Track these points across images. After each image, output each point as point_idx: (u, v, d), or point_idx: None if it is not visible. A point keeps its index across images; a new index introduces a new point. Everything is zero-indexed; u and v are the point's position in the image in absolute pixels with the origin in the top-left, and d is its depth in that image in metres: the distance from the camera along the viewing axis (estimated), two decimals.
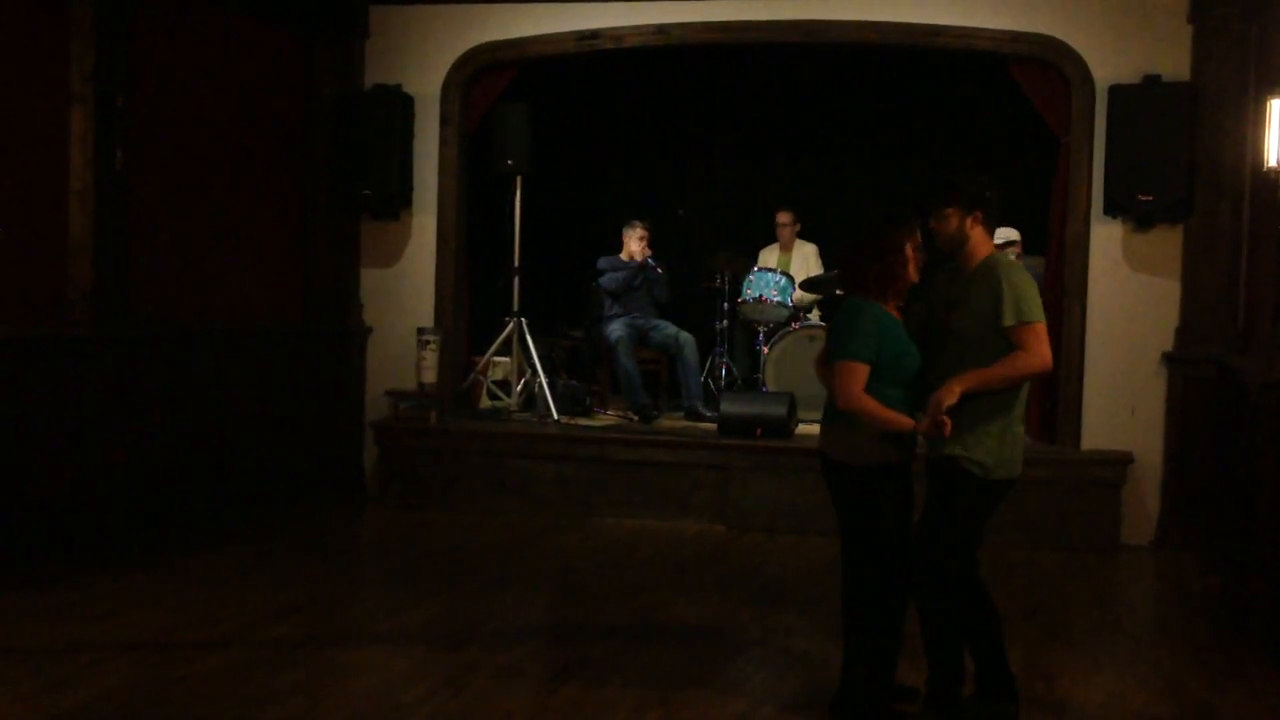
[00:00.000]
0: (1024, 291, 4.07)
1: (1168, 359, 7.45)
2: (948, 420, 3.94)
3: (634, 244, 9.00)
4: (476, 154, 8.60)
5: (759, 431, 7.80)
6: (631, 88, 10.34)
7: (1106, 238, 7.54)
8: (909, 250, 4.18)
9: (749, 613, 5.78)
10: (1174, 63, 7.36)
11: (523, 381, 8.67)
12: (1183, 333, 7.43)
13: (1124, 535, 7.41)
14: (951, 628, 4.21)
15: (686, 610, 5.77)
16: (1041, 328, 4.07)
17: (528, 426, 8.22)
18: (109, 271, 6.68)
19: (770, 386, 8.69)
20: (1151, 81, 7.33)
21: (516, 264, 8.53)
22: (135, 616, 5.38)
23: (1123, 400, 7.53)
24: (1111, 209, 7.42)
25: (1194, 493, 7.34)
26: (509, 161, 8.35)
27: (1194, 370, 7.35)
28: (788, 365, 8.65)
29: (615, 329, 8.87)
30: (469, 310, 8.77)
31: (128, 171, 6.77)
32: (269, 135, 8.08)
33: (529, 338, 8.44)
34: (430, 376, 8.22)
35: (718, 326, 9.43)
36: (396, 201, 8.36)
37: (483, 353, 8.72)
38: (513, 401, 8.64)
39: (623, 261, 8.99)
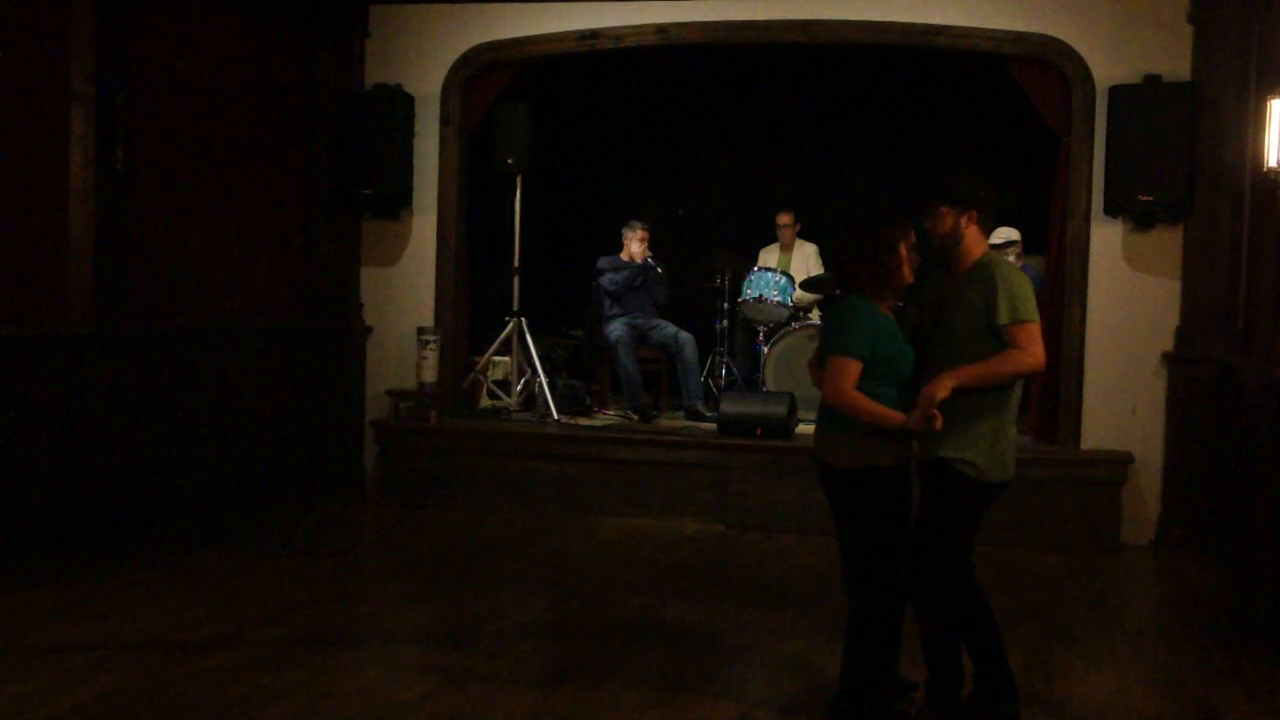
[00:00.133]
0: (1019, 290, 4.06)
1: (1168, 359, 7.45)
2: (938, 414, 3.93)
3: (635, 245, 9.00)
4: (477, 153, 8.60)
5: (759, 431, 7.80)
6: (631, 88, 10.35)
7: (1107, 238, 7.54)
8: (903, 250, 4.16)
9: (749, 613, 5.78)
10: (1174, 63, 7.35)
11: (523, 381, 8.68)
12: (1183, 333, 7.42)
13: (1124, 535, 7.41)
14: (949, 629, 4.21)
15: (686, 610, 5.77)
16: (1035, 327, 4.06)
17: (528, 426, 8.22)
18: (109, 271, 6.68)
19: (770, 386, 8.69)
20: (1152, 81, 7.33)
21: (517, 263, 8.54)
22: (135, 616, 5.38)
23: (1123, 400, 7.53)
24: (1112, 209, 7.42)
25: (1194, 493, 7.34)
26: (509, 161, 8.35)
27: (1194, 370, 7.35)
28: (788, 365, 8.65)
29: (615, 329, 8.87)
30: (469, 310, 8.77)
31: (128, 171, 6.78)
32: (269, 135, 8.08)
33: (529, 337, 8.45)
34: (430, 376, 8.22)
35: (718, 326, 9.44)
36: (397, 201, 8.36)
37: (483, 352, 8.72)
38: (513, 401, 8.64)
39: (623, 262, 8.99)
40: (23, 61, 6.31)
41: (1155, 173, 7.24)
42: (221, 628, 5.26)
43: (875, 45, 8.03)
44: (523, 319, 8.49)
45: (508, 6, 8.26)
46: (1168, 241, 7.45)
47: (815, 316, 9.10)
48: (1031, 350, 4.04)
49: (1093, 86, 7.49)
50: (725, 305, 9.37)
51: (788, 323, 9.02)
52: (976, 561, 4.30)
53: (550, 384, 8.47)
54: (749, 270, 9.17)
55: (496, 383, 8.78)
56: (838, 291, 4.58)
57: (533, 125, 8.33)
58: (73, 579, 5.90)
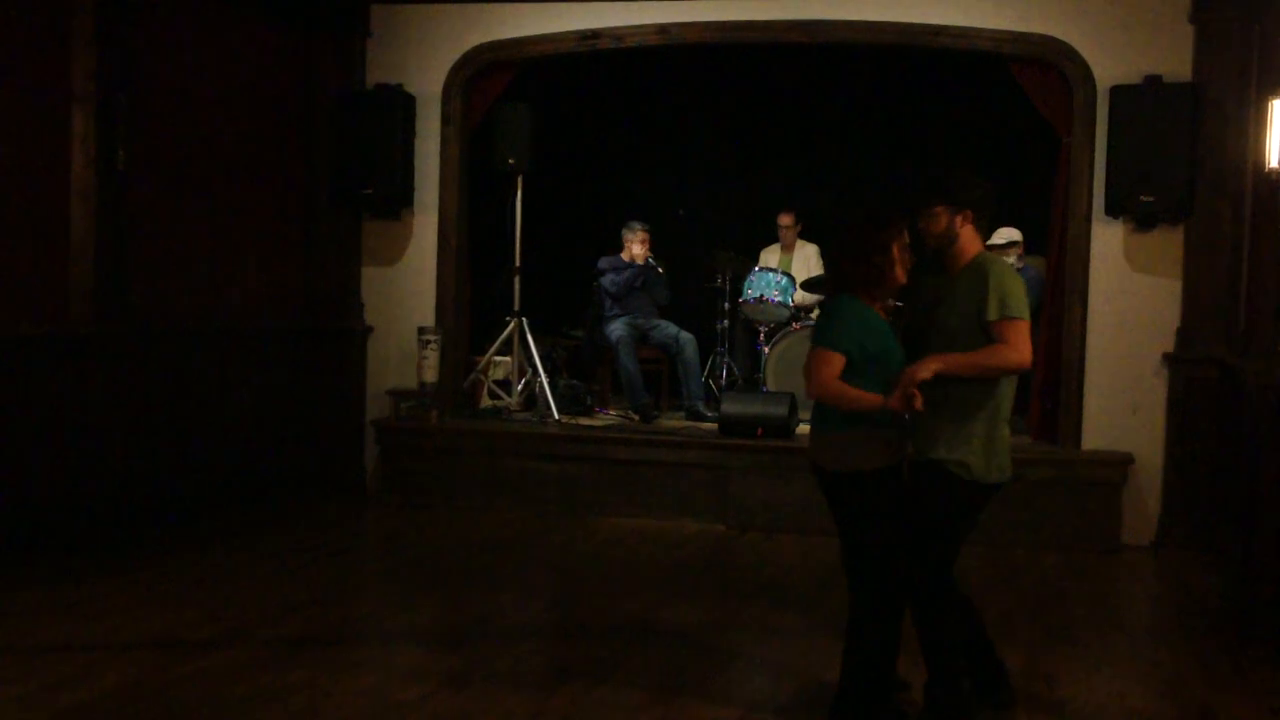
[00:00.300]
0: (1010, 289, 4.05)
1: (1169, 359, 7.45)
2: (918, 393, 3.92)
3: (635, 246, 9.01)
4: (478, 153, 8.60)
5: (760, 431, 7.80)
6: (632, 88, 10.34)
7: (1107, 238, 7.54)
8: (895, 251, 4.17)
9: (749, 613, 5.78)
10: (1175, 63, 7.35)
11: (523, 381, 8.68)
12: (1183, 333, 7.42)
13: (1125, 535, 7.41)
14: (946, 630, 4.21)
15: (687, 610, 5.77)
16: (1024, 326, 4.05)
17: (528, 426, 8.22)
18: (110, 271, 6.68)
19: (771, 386, 8.69)
20: (1153, 82, 7.33)
21: (517, 263, 8.54)
22: (135, 616, 5.38)
23: (1124, 400, 7.53)
24: (1113, 209, 7.42)
25: (1195, 493, 7.34)
26: (510, 161, 8.35)
27: (1195, 370, 7.35)
28: (788, 365, 8.65)
29: (616, 329, 8.88)
30: (470, 310, 8.77)
31: (129, 171, 6.77)
32: (270, 134, 8.08)
33: (530, 337, 8.45)
34: (431, 376, 8.22)
35: (719, 326, 9.44)
36: (398, 201, 8.36)
37: (484, 352, 8.72)
38: (513, 401, 8.64)
39: (624, 262, 8.99)
40: (24, 61, 6.31)
41: (1156, 173, 7.24)
42: (221, 628, 5.26)
43: (876, 45, 8.02)
44: (523, 319, 8.50)
45: (508, 6, 8.26)
46: (1169, 242, 7.45)
47: (816, 317, 9.09)
48: (1019, 347, 4.03)
49: (1093, 87, 7.49)
50: (726, 305, 9.37)
51: (788, 323, 9.02)
52: (976, 563, 4.30)
53: (551, 384, 8.47)
54: (750, 270, 9.17)
55: (497, 383, 8.78)
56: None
57: (533, 125, 8.34)
58: (73, 579, 5.90)
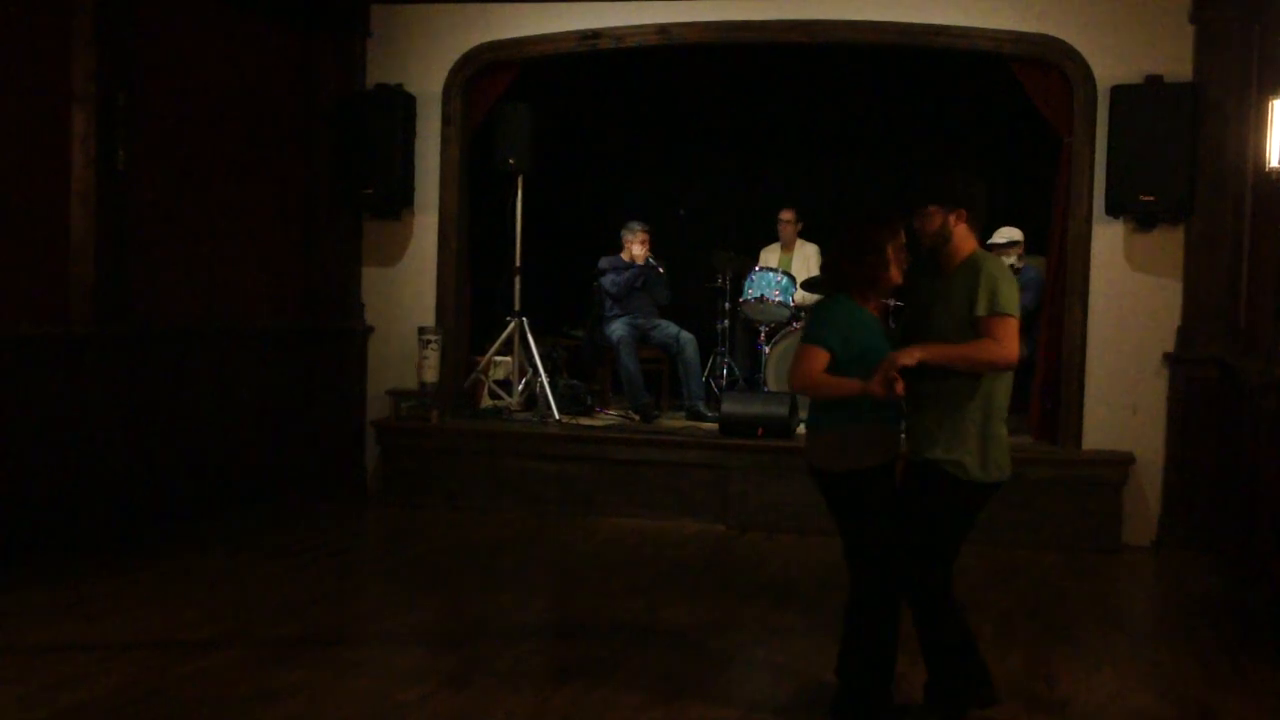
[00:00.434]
0: (1001, 285, 4.04)
1: (1169, 359, 7.44)
2: (899, 378, 3.92)
3: (636, 247, 9.01)
4: (478, 153, 8.60)
5: (760, 431, 7.80)
6: (632, 88, 10.34)
7: (1108, 238, 7.54)
8: (890, 251, 4.18)
9: (750, 612, 5.78)
10: (1176, 63, 7.35)
11: (524, 381, 8.67)
12: (1184, 333, 7.42)
13: (1125, 535, 7.40)
14: (948, 629, 4.20)
15: (687, 610, 5.77)
16: (1013, 323, 4.03)
17: (529, 426, 8.22)
18: (110, 271, 6.68)
19: (771, 386, 8.69)
20: (1153, 82, 7.33)
21: (518, 263, 8.54)
22: (135, 616, 5.39)
23: (1124, 400, 7.53)
24: (1113, 209, 7.42)
25: (1195, 493, 7.34)
26: (510, 161, 8.35)
27: (1195, 370, 7.35)
28: (789, 365, 8.63)
29: (617, 329, 8.88)
30: (470, 310, 8.77)
31: (129, 171, 6.77)
32: (271, 134, 8.08)
33: (530, 337, 8.45)
34: (432, 376, 8.22)
35: (719, 326, 9.43)
36: (398, 201, 8.36)
37: (484, 352, 8.72)
38: (514, 401, 8.64)
39: (624, 262, 8.99)
40: (24, 62, 6.31)
41: (1156, 173, 7.24)
42: (222, 628, 5.26)
43: (876, 45, 8.02)
44: (524, 319, 8.49)
45: (509, 6, 8.26)
46: (1169, 242, 7.44)
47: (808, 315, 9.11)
48: (1005, 343, 4.01)
49: (1094, 86, 7.48)
50: (726, 305, 9.37)
51: (789, 323, 9.02)
52: (976, 562, 4.30)
53: (551, 384, 8.47)
54: (750, 270, 9.17)
55: (498, 382, 8.78)
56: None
57: (534, 125, 8.33)
58: (73, 579, 5.91)
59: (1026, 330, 8.20)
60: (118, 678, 4.57)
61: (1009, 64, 7.77)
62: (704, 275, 9.62)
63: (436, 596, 6.08)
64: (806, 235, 9.85)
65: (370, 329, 8.59)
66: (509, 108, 8.37)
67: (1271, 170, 6.18)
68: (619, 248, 9.08)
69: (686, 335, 8.90)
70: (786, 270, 9.31)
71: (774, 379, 8.74)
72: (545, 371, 8.49)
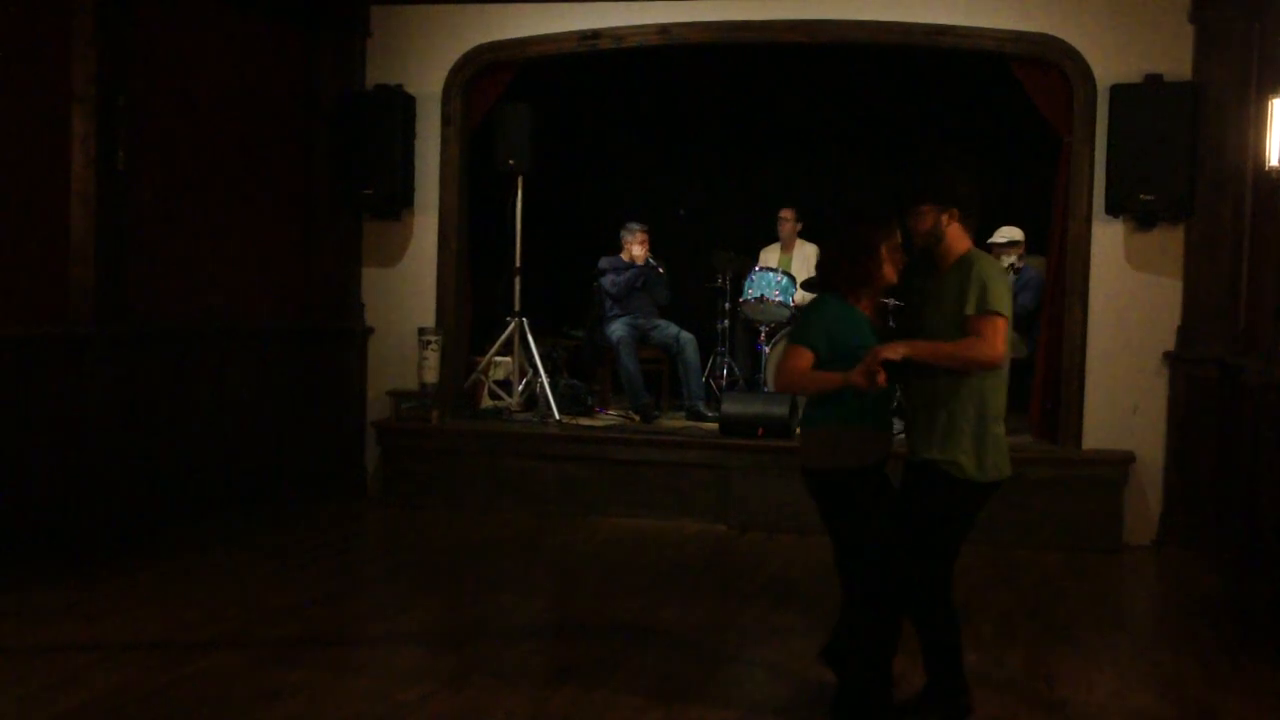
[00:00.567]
0: (991, 284, 4.02)
1: (1169, 358, 7.44)
2: (881, 371, 3.92)
3: (635, 248, 9.01)
4: (478, 154, 8.60)
5: (760, 431, 7.79)
6: (633, 88, 10.34)
7: (1108, 237, 7.53)
8: (884, 250, 4.18)
9: (750, 613, 5.78)
10: (1176, 62, 7.35)
11: (524, 381, 8.67)
12: (1184, 332, 7.42)
13: (1126, 535, 7.40)
14: (948, 630, 4.20)
15: (687, 610, 5.77)
16: (1000, 322, 4.00)
17: (529, 426, 8.22)
18: (110, 271, 6.68)
19: (772, 386, 8.68)
20: (1153, 81, 7.33)
21: (518, 264, 8.54)
22: (135, 616, 5.39)
23: (1125, 400, 7.52)
24: (1113, 208, 7.42)
25: (1196, 492, 7.33)
26: (510, 161, 8.35)
27: (1196, 370, 7.34)
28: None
29: (617, 329, 8.88)
30: (470, 310, 8.77)
31: (129, 171, 6.77)
32: (270, 135, 8.08)
33: (530, 337, 8.45)
34: (432, 376, 8.21)
35: (719, 326, 9.43)
36: (398, 201, 8.36)
37: (484, 353, 8.71)
38: (514, 401, 8.64)
39: (624, 262, 8.99)
40: (24, 62, 6.31)
41: (1156, 172, 7.24)
42: (222, 628, 5.26)
43: (876, 45, 8.02)
44: (524, 319, 8.49)
45: (509, 7, 8.26)
46: (1169, 241, 7.44)
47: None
48: (991, 342, 3.99)
49: (1094, 86, 7.48)
50: (726, 305, 9.37)
51: (789, 323, 9.01)
52: (976, 562, 4.30)
53: (551, 384, 8.47)
54: (750, 270, 9.17)
55: (498, 383, 8.78)
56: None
57: (534, 125, 8.33)
58: (73, 579, 5.91)
59: (1027, 330, 8.21)
60: (118, 678, 4.57)
61: (1009, 63, 7.77)
62: (704, 275, 9.61)
63: (436, 596, 6.08)
64: (806, 235, 9.85)
65: (370, 329, 8.59)
66: (509, 108, 8.37)
67: (1271, 169, 6.19)
68: (619, 248, 9.08)
69: (686, 335, 8.90)
70: (786, 270, 9.31)
71: (774, 379, 8.74)
72: (545, 372, 8.49)
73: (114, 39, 6.64)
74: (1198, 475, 7.32)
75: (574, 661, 4.98)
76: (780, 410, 7.85)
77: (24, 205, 6.31)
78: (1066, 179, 7.66)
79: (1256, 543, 5.99)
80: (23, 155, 6.31)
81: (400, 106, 8.28)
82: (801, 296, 9.20)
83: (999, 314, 4.00)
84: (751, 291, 8.97)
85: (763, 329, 9.15)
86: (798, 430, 7.73)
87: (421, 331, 8.25)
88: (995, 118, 9.76)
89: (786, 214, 9.77)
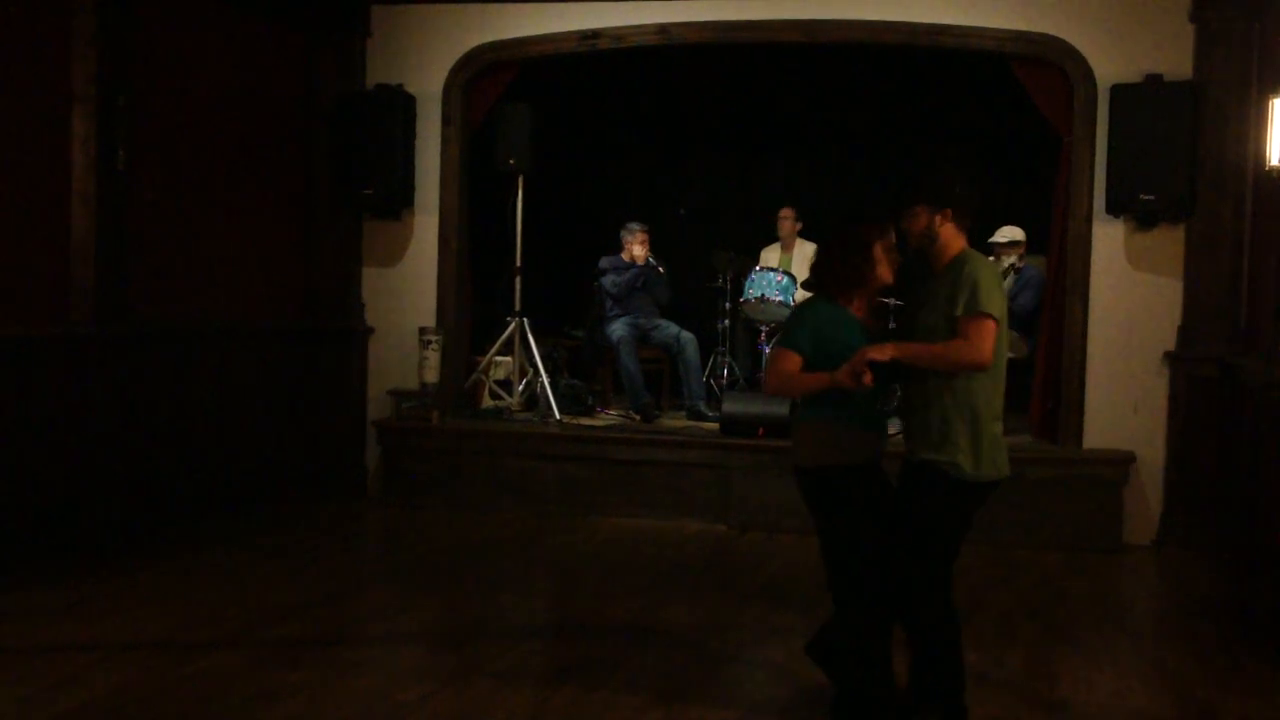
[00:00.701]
0: (983, 286, 3.99)
1: (1170, 358, 7.44)
2: (867, 371, 3.92)
3: (636, 248, 9.01)
4: (478, 153, 8.60)
5: (761, 431, 7.79)
6: (633, 88, 10.34)
7: (1108, 237, 7.53)
8: (878, 251, 4.17)
9: (750, 613, 5.78)
10: (1176, 62, 7.35)
11: (525, 381, 8.67)
12: (1185, 332, 7.41)
13: (1126, 534, 7.40)
14: (946, 631, 4.19)
15: (687, 610, 5.77)
16: (989, 324, 3.97)
17: (529, 426, 8.22)
18: (111, 271, 6.67)
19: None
20: (1153, 81, 7.32)
21: (518, 263, 8.54)
22: (136, 616, 5.39)
23: (1125, 399, 7.52)
24: (1113, 208, 7.42)
25: (1196, 492, 7.33)
26: (510, 161, 8.35)
27: (1196, 369, 7.34)
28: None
29: (617, 329, 8.88)
30: (471, 310, 8.77)
31: (130, 172, 6.77)
32: (271, 135, 8.08)
33: (531, 337, 8.45)
34: (432, 376, 8.22)
35: (719, 326, 9.43)
36: (398, 201, 8.36)
37: (485, 352, 8.71)
38: (515, 401, 8.64)
39: (624, 262, 8.99)
40: (24, 62, 6.31)
41: (1157, 172, 7.24)
42: (222, 628, 5.26)
43: (876, 45, 8.02)
44: (524, 319, 8.49)
45: (509, 6, 8.26)
46: (1169, 240, 7.44)
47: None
48: (977, 344, 3.96)
49: (1094, 85, 7.48)
50: (727, 305, 9.37)
51: None
52: (976, 562, 4.30)
53: (552, 384, 8.47)
54: (750, 270, 9.17)
55: (498, 383, 8.78)
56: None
57: (534, 125, 8.33)
58: (73, 579, 5.91)
59: (1027, 330, 8.21)
60: (118, 678, 4.57)
61: (1009, 63, 7.77)
62: (704, 275, 9.62)
63: (437, 596, 6.08)
64: (806, 235, 9.85)
65: (370, 329, 8.59)
66: (509, 108, 8.37)
67: (1272, 169, 6.18)
68: (619, 248, 9.08)
69: (687, 335, 8.90)
70: (787, 270, 9.31)
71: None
72: (546, 371, 8.49)
73: (114, 39, 6.63)
74: (1198, 475, 7.32)
75: (574, 661, 4.98)
76: (781, 410, 7.83)
77: (24, 205, 6.31)
78: (1067, 179, 7.66)
79: (1257, 542, 5.98)
80: (23, 155, 6.31)
81: (400, 106, 8.28)
82: (801, 296, 9.20)
83: (988, 316, 3.97)
84: (752, 291, 8.97)
85: (763, 329, 9.15)
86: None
87: (422, 331, 8.26)
88: (995, 118, 9.76)
89: (786, 213, 9.77)
